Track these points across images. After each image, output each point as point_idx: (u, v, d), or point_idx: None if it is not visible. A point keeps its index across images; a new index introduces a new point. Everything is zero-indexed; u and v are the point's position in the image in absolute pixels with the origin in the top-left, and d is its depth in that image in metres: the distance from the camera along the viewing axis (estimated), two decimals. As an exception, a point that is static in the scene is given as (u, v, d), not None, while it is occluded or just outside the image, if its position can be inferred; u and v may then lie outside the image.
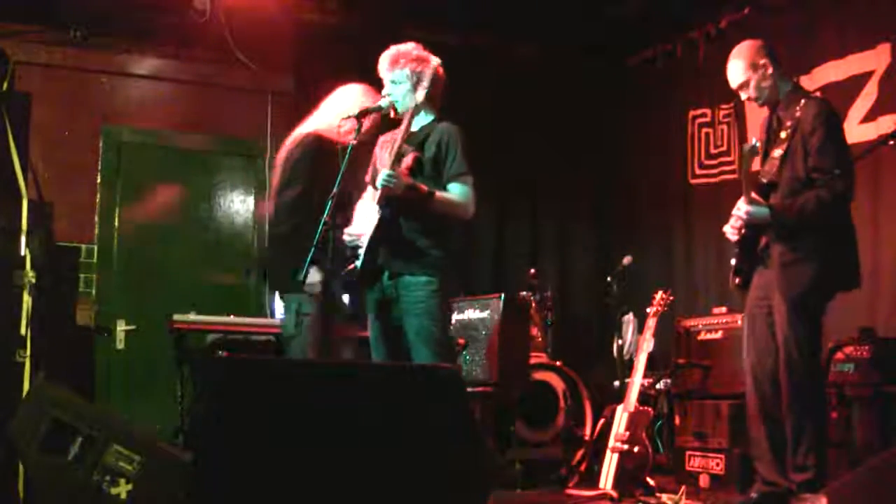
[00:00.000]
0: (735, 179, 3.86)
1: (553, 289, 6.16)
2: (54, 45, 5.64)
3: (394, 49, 3.85)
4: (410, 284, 3.68)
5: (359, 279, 3.79)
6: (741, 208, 3.80)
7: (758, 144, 3.81)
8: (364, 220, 3.85)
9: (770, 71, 3.87)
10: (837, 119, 3.86)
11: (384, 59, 3.84)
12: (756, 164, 3.93)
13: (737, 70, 3.91)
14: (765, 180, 3.83)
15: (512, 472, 5.01)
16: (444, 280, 3.72)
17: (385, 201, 3.66)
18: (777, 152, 3.80)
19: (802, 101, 3.81)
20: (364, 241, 3.74)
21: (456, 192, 3.74)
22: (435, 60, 3.86)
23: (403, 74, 3.80)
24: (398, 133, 3.81)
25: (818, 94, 5.34)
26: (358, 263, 3.75)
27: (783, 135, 3.80)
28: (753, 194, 3.79)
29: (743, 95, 3.96)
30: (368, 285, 3.81)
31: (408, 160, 3.77)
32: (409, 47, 3.86)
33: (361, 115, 3.68)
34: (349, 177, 3.66)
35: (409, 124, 3.74)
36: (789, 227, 3.73)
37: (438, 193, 3.70)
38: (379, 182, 3.63)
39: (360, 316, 5.37)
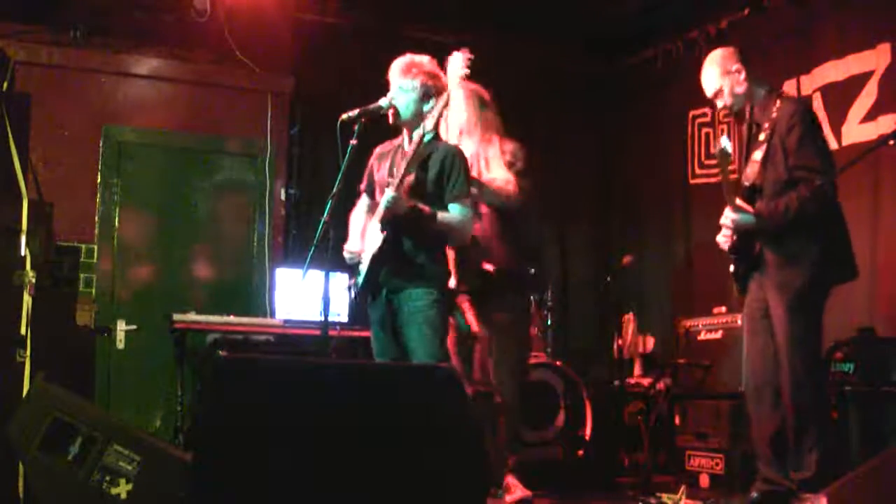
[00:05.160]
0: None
1: (553, 289, 6.15)
2: (54, 45, 5.64)
3: (409, 57, 3.85)
4: (411, 295, 3.72)
5: (357, 294, 3.88)
6: (728, 216, 3.81)
7: (727, 145, 3.78)
8: (359, 232, 3.96)
9: (743, 76, 3.87)
10: (813, 116, 3.87)
11: (397, 65, 3.84)
12: (742, 169, 3.94)
13: (710, 77, 3.93)
14: (747, 183, 3.84)
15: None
16: (443, 293, 3.78)
17: (388, 222, 3.69)
18: (757, 154, 3.81)
19: (778, 102, 3.82)
20: (366, 260, 3.80)
21: (456, 212, 3.79)
22: (448, 85, 3.85)
23: (413, 84, 3.79)
24: (400, 152, 3.85)
25: (818, 94, 5.36)
26: (359, 280, 3.83)
27: (761, 137, 3.81)
28: (739, 201, 3.80)
29: (719, 104, 3.96)
30: (370, 300, 3.87)
31: (409, 179, 3.78)
32: (425, 59, 3.85)
33: (363, 116, 3.69)
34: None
35: (417, 150, 3.72)
36: (775, 229, 3.73)
37: (440, 215, 3.74)
38: (383, 204, 3.67)
39: (357, 316, 5.42)
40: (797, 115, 3.75)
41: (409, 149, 3.76)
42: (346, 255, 3.90)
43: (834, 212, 3.80)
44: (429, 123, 3.75)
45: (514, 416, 4.41)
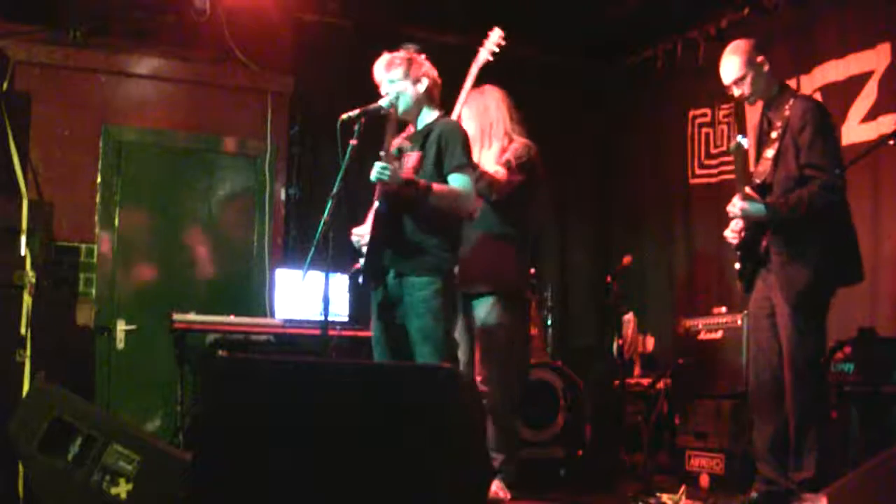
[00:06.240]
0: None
1: (553, 288, 6.15)
2: (54, 45, 5.63)
3: (385, 55, 3.92)
4: (416, 285, 3.70)
5: (364, 278, 3.83)
6: (736, 204, 3.81)
7: (743, 141, 3.81)
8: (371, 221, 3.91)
9: (766, 68, 3.89)
10: (827, 115, 3.88)
11: (379, 64, 3.91)
12: (750, 163, 3.95)
13: (733, 66, 3.91)
14: (758, 181, 3.84)
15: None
16: (447, 281, 3.75)
17: (383, 196, 3.68)
18: (769, 153, 3.82)
19: (791, 100, 3.83)
20: (366, 240, 3.78)
21: (456, 183, 3.76)
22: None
23: (400, 72, 3.86)
24: (389, 129, 3.86)
25: (818, 94, 5.35)
26: (361, 262, 3.79)
27: (774, 135, 3.82)
28: (748, 189, 3.80)
29: (736, 92, 3.95)
30: (374, 285, 3.84)
31: (413, 159, 3.79)
32: (399, 52, 3.93)
33: (363, 116, 3.69)
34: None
35: (397, 119, 3.78)
36: (784, 221, 3.74)
37: (437, 186, 3.70)
38: (373, 176, 3.64)
39: (358, 316, 5.43)
40: (810, 114, 3.76)
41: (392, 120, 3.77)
42: (353, 238, 3.89)
43: (842, 212, 3.81)
44: (421, 87, 3.84)
45: (503, 417, 4.37)
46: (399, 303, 3.75)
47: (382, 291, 3.80)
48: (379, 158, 3.65)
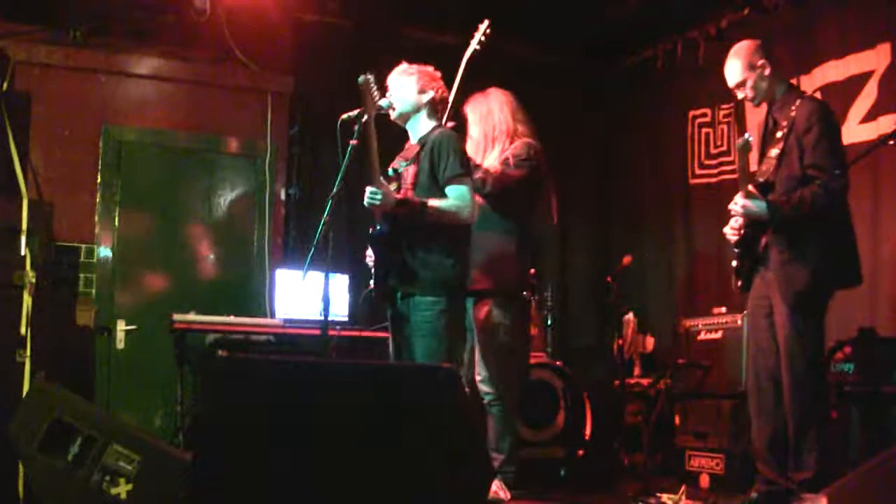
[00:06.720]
0: (735, 179, 3.89)
1: (553, 288, 6.15)
2: (54, 45, 5.62)
3: (405, 64, 3.99)
4: (419, 304, 3.74)
5: (375, 299, 3.92)
6: (738, 202, 3.82)
7: (751, 139, 3.83)
8: None
9: (767, 72, 3.90)
10: (833, 117, 3.88)
11: (396, 69, 3.97)
12: (752, 161, 3.95)
13: (735, 69, 3.94)
14: (761, 179, 3.85)
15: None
16: (452, 299, 3.78)
17: (383, 218, 3.71)
18: (773, 152, 3.83)
19: (798, 101, 3.84)
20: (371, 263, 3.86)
21: (452, 195, 3.77)
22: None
23: (410, 80, 3.92)
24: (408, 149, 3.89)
25: (818, 94, 5.35)
26: (371, 283, 3.88)
27: (779, 134, 3.83)
28: (750, 187, 3.81)
29: (739, 95, 3.98)
30: (387, 303, 3.90)
31: (410, 174, 3.81)
32: (424, 67, 4.00)
33: (362, 115, 3.69)
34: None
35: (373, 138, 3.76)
36: (785, 220, 3.75)
37: (432, 203, 3.72)
38: (365, 202, 3.67)
39: (357, 316, 5.43)
40: (816, 115, 3.76)
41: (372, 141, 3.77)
42: (367, 261, 3.94)
43: (843, 214, 3.82)
44: (424, 97, 3.88)
45: (503, 417, 4.38)
46: (407, 321, 3.79)
47: (392, 309, 3.85)
48: (369, 182, 3.66)
